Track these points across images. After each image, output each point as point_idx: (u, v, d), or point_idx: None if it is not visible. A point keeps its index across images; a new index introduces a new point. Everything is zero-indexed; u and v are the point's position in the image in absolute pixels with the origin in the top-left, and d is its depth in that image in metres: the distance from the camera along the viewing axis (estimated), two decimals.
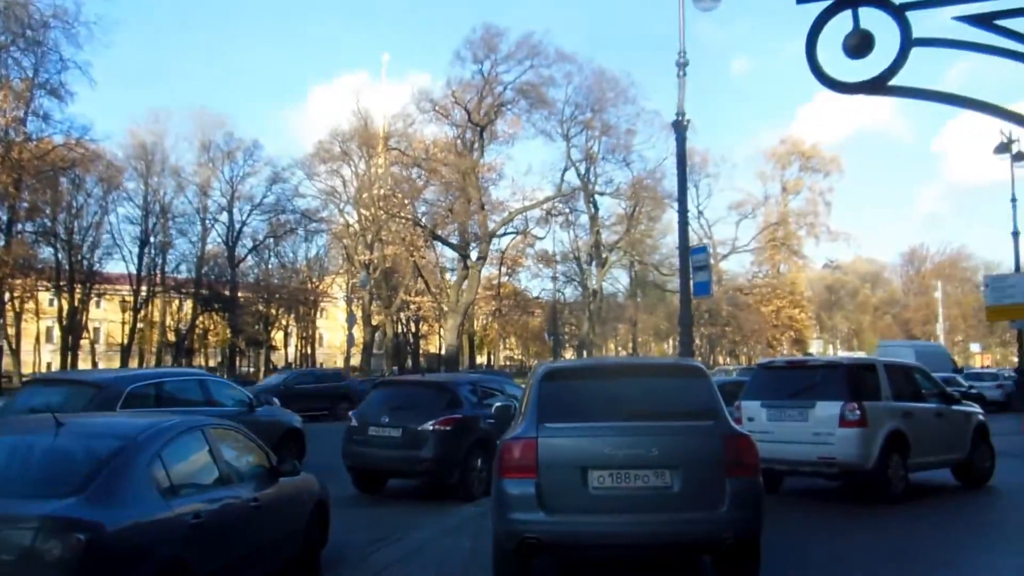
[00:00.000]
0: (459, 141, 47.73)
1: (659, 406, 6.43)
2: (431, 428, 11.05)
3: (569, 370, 7.09)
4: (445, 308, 47.69)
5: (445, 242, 48.98)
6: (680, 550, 6.57)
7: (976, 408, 13.01)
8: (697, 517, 5.96)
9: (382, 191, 48.65)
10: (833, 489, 11.36)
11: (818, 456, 10.41)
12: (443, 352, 49.65)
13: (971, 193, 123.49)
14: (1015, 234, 29.01)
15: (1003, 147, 28.93)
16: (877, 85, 2.06)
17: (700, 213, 60.26)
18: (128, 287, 53.92)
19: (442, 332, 52.21)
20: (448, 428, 11.07)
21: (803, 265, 64.59)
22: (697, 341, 59.53)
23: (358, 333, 53.85)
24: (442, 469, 11.08)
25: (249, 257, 57.69)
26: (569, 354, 57.31)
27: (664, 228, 52.88)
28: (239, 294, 55.69)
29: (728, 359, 65.30)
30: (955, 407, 12.24)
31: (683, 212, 16.43)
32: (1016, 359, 36.34)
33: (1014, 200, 28.81)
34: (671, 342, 61.14)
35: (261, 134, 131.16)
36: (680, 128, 16.17)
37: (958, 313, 75.87)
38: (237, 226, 54.79)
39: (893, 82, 2.08)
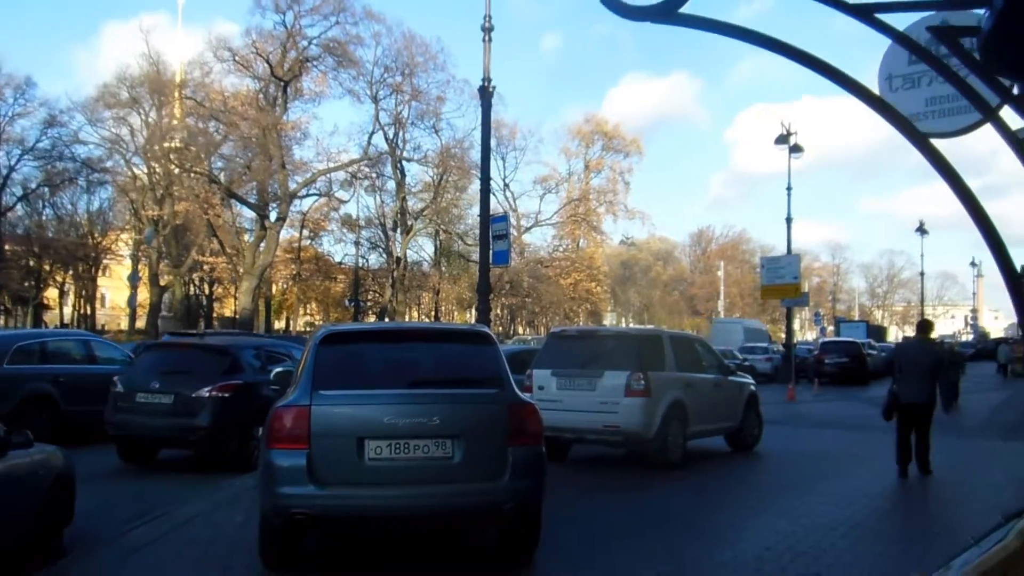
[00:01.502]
0: (261, 95, 45.28)
1: (443, 373, 6.16)
2: (207, 394, 10.25)
3: (350, 334, 6.64)
4: (241, 270, 45.37)
5: (242, 201, 46.55)
6: (459, 522, 6.33)
7: (749, 379, 13.84)
8: (477, 488, 5.76)
9: (175, 143, 45.39)
10: (618, 457, 11.66)
11: (604, 424, 10.62)
12: (237, 316, 47.25)
13: (754, 181, 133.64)
14: (788, 220, 31.34)
15: (782, 139, 31.14)
16: (666, 11, 1.77)
17: (506, 185, 61.08)
18: None
19: (237, 295, 49.66)
20: (226, 395, 10.31)
21: (601, 241, 67.07)
22: (497, 311, 60.54)
23: (145, 294, 50.18)
24: (218, 438, 10.33)
25: (19, 207, 52.10)
26: (371, 320, 56.50)
27: (470, 198, 52.89)
28: (5, 247, 50.23)
29: (527, 329, 66.84)
30: (731, 378, 12.93)
31: (486, 179, 16.29)
32: (784, 335, 39.50)
33: (789, 189, 31.10)
34: (473, 312, 61.68)
35: (40, 71, 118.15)
36: (486, 94, 16.02)
37: (737, 292, 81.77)
38: (4, 171, 49.23)
39: (684, 10, 1.81)
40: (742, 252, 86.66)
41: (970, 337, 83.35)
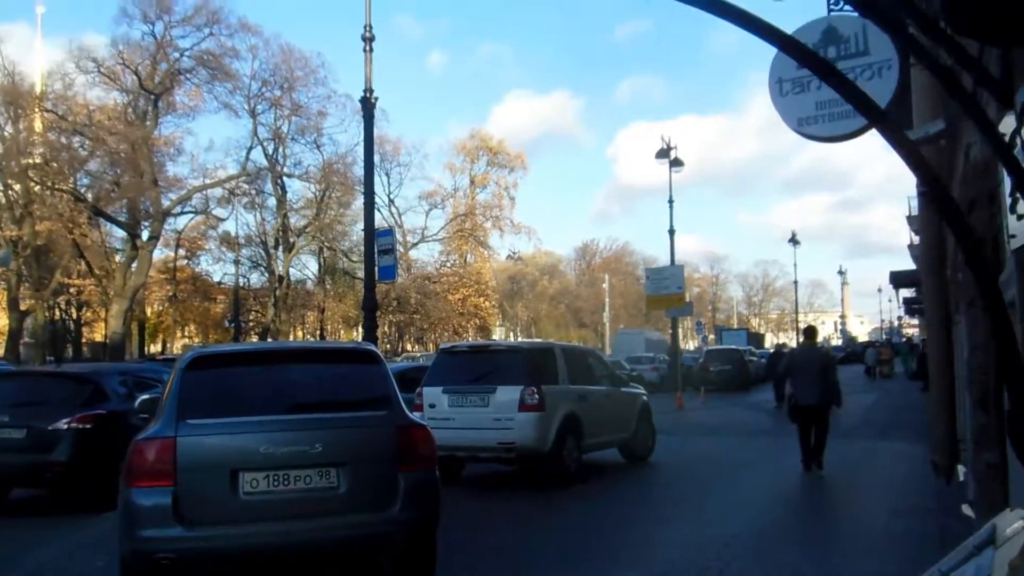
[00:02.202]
0: (130, 109, 43.05)
1: (325, 396, 5.69)
2: (65, 426, 9.33)
3: (220, 356, 6.04)
4: (111, 292, 42.88)
5: (111, 219, 44.04)
6: (347, 556, 5.83)
7: (641, 390, 13.79)
8: (366, 519, 5.31)
9: (34, 159, 42.55)
10: (513, 473, 11.35)
11: (498, 441, 10.28)
12: (108, 341, 44.63)
13: (636, 195, 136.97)
14: (671, 232, 31.95)
15: (663, 153, 31.80)
16: None
17: (391, 201, 60.27)
18: None
19: (108, 319, 46.93)
20: (87, 426, 9.40)
21: (488, 256, 66.97)
22: (385, 328, 59.54)
23: (3, 319, 46.83)
24: (78, 474, 9.40)
25: None
26: (254, 341, 54.44)
27: (354, 215, 51.77)
28: None
29: (416, 346, 66.03)
30: (623, 389, 12.83)
31: (369, 192, 15.77)
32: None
33: (671, 202, 31.72)
34: (360, 330, 60.42)
35: None
36: (368, 105, 15.55)
37: (621, 303, 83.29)
38: None
39: None
40: (626, 264, 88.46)
41: (839, 341, 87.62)
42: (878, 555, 6.88)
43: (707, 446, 15.10)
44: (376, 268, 15.93)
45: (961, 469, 9.35)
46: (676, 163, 31.84)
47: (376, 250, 15.85)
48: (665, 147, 31.77)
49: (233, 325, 45.82)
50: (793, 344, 57.54)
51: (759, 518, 8.39)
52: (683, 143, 73.42)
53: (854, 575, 6.31)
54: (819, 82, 7.07)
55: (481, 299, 62.76)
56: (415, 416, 6.71)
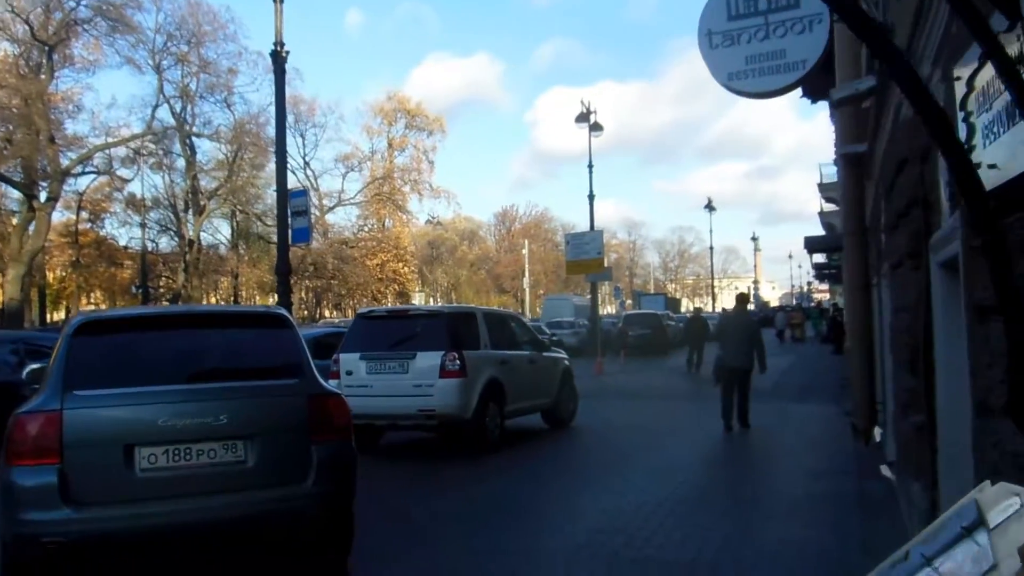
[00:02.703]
0: (22, 61, 40.52)
1: (231, 363, 5.27)
2: None
3: (112, 321, 5.51)
4: (6, 257, 40.64)
5: (5, 179, 41.46)
6: (257, 534, 5.44)
7: (563, 354, 13.65)
8: (276, 494, 4.95)
9: None
10: (434, 441, 11.08)
11: (418, 408, 9.99)
12: (4, 308, 42.35)
13: (555, 161, 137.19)
14: (591, 196, 31.86)
15: (583, 117, 31.67)
16: None
17: (307, 164, 58.77)
18: None
19: (3, 285, 44.53)
20: None
21: (407, 220, 65.99)
22: (302, 294, 58.27)
23: None
24: None
25: None
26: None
27: (268, 177, 50.08)
28: None
29: (334, 312, 64.90)
30: (545, 354, 12.67)
31: (282, 151, 15.11)
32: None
33: (591, 166, 31.60)
34: (275, 296, 58.86)
35: None
36: (279, 59, 14.83)
37: (541, 269, 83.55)
38: None
39: None
40: (545, 231, 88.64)
41: (752, 306, 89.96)
42: (801, 517, 6.87)
43: (628, 410, 15.11)
44: (290, 231, 15.33)
45: (878, 431, 9.52)
46: (596, 127, 31.75)
47: (289, 212, 15.25)
48: (585, 111, 31.64)
49: (141, 291, 44.13)
50: (709, 309, 58.83)
51: (683, 483, 8.34)
52: (602, 109, 73.63)
53: (779, 538, 6.25)
54: (749, 35, 6.92)
55: (400, 264, 62.04)
56: (330, 384, 6.35)
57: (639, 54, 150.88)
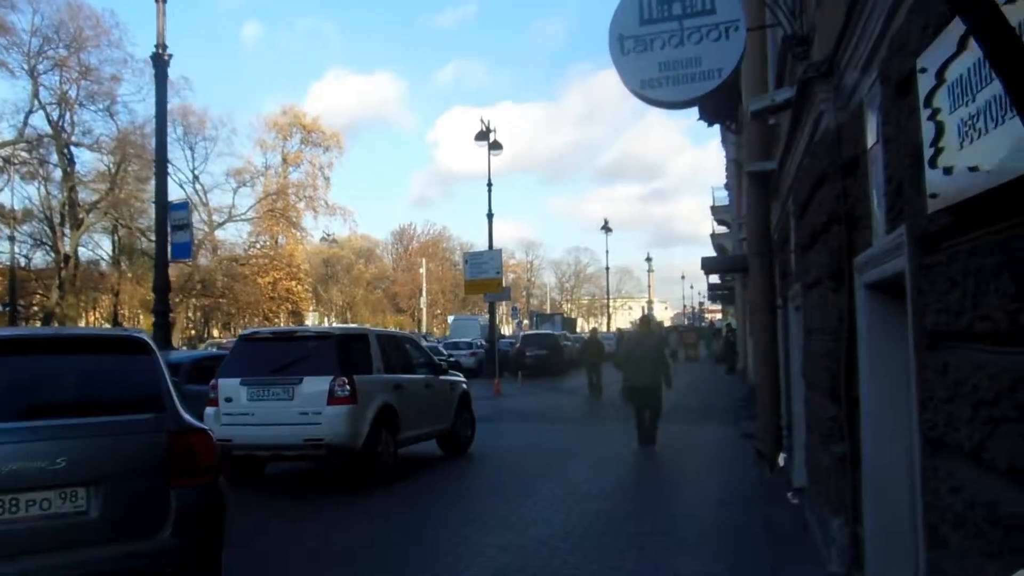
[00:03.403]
0: None
1: (74, 395, 4.52)
2: None
3: None
4: None
5: None
6: None
7: (460, 377, 13.10)
8: (125, 550, 4.23)
9: None
10: (321, 472, 10.34)
11: (304, 438, 9.23)
12: None
13: (454, 180, 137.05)
14: (490, 215, 31.56)
15: (482, 135, 31.34)
16: None
17: (196, 177, 56.34)
18: None
19: None
20: None
21: (301, 238, 64.04)
22: (189, 314, 55.79)
23: None
24: None
25: None
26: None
27: (154, 192, 48.02)
28: None
29: (223, 332, 62.36)
30: (442, 377, 12.10)
31: (162, 158, 14.14)
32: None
33: (490, 184, 31.32)
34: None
35: None
36: (160, 62, 13.92)
37: (439, 288, 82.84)
38: None
39: None
40: (443, 250, 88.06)
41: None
42: (711, 549, 6.52)
43: (527, 434, 14.65)
44: (169, 245, 14.34)
45: (783, 456, 9.32)
46: (495, 146, 31.52)
47: (169, 225, 14.28)
48: (484, 129, 31.34)
49: (9, 310, 41.18)
50: (604, 330, 59.31)
51: (587, 513, 7.90)
52: (503, 129, 73.96)
53: (691, 573, 5.87)
54: (663, 41, 6.61)
55: (293, 283, 60.21)
56: (208, 412, 5.62)
57: (541, 76, 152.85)
